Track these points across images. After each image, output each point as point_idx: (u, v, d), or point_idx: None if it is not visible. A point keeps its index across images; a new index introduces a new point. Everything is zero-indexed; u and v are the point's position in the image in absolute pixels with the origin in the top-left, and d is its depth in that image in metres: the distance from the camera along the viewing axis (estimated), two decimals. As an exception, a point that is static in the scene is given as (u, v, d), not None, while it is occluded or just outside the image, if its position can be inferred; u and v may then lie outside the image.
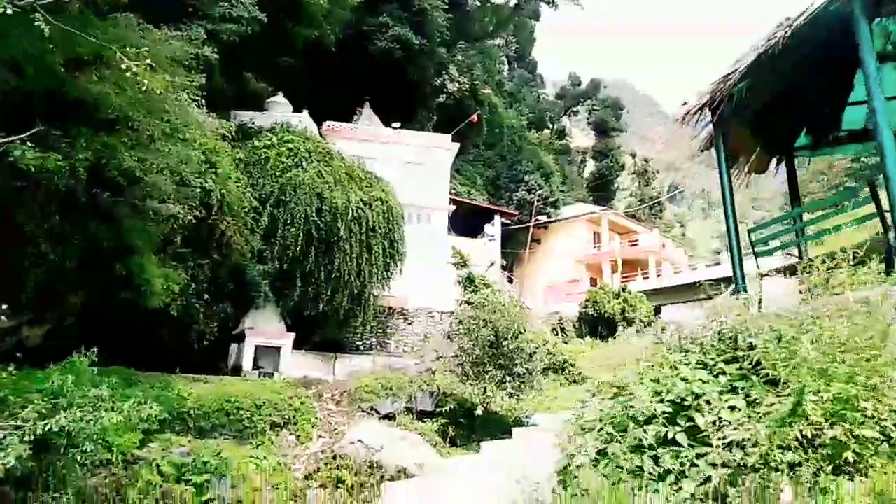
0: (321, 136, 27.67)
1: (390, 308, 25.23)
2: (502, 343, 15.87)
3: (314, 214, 19.44)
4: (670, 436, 4.15)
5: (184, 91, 11.28)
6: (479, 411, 16.29)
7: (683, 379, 4.45)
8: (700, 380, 4.42)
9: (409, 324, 26.06)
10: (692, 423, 4.20)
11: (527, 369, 16.18)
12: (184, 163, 11.74)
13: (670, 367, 4.68)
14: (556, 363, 23.31)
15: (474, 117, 32.89)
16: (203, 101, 13.58)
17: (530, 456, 5.33)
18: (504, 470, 5.23)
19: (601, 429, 4.56)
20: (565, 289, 39.01)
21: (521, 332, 16.32)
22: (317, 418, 16.06)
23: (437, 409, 17.06)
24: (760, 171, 8.13)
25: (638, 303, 28.60)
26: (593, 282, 40.25)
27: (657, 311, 32.63)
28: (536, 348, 16.60)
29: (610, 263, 40.35)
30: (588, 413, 4.81)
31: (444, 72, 36.06)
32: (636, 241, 43.09)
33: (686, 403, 4.32)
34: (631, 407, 4.50)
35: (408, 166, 31.30)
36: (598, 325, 28.15)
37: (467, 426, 16.43)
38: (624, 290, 29.15)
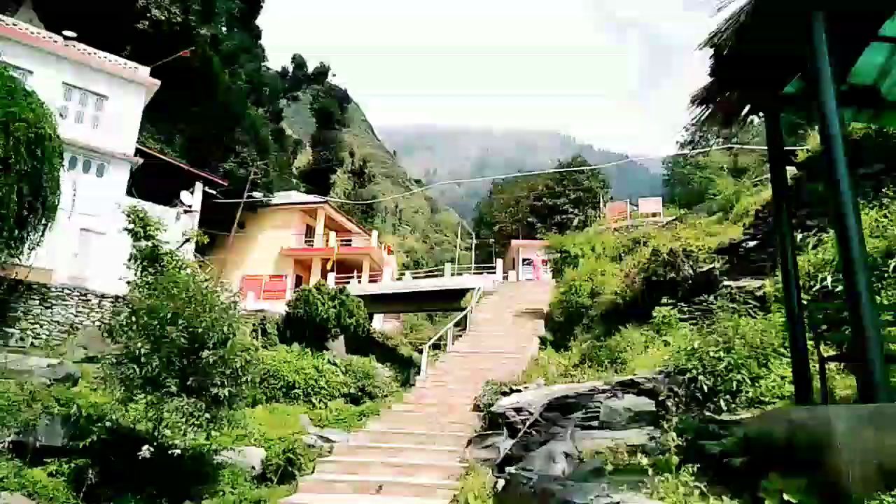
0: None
1: (20, 281, 17.50)
2: (199, 352, 10.67)
3: None
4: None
5: None
6: (145, 451, 10.65)
7: None
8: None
9: (49, 307, 18.50)
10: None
11: (230, 392, 11.18)
12: None
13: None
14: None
15: (187, 52, 26.08)
16: None
17: None
18: None
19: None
20: (268, 284, 33.91)
21: (228, 338, 11.30)
22: None
23: (73, 444, 10.97)
24: (725, 124, 5.09)
25: (355, 308, 25.14)
26: (299, 280, 35.92)
27: (370, 317, 29.79)
28: (247, 362, 11.67)
29: (321, 261, 36.49)
30: None
31: (151, -9, 28.35)
32: (350, 240, 40.07)
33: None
34: None
35: (82, 94, 23.21)
36: (307, 329, 23.86)
37: (125, 472, 10.76)
38: (342, 291, 25.41)
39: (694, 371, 6.78)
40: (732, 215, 15.54)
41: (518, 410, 8.47)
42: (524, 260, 36.88)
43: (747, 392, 6.54)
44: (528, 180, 70.33)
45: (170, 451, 11.22)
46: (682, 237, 13.06)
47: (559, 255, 20.24)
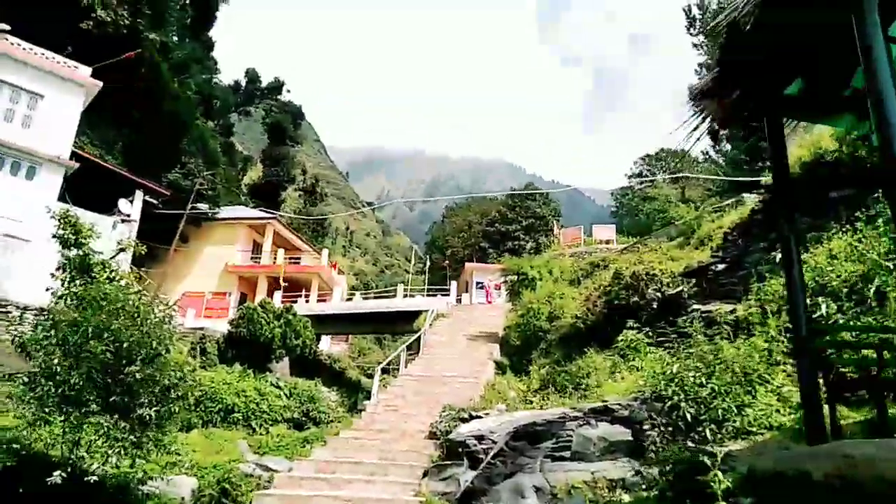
0: None
1: (-72, 290, 15.89)
2: (125, 368, 9.63)
3: None
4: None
5: None
6: (56, 478, 9.47)
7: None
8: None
9: (-38, 319, 16.89)
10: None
11: (157, 412, 10.13)
12: None
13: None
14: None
15: (132, 54, 24.86)
16: None
17: None
18: None
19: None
20: (210, 301, 32.34)
21: (159, 354, 10.29)
22: None
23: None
24: (722, 123, 4.63)
25: (302, 328, 24.07)
26: (244, 298, 34.41)
27: (317, 339, 28.74)
28: (180, 380, 10.65)
29: (268, 280, 35.07)
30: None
31: (96, -11, 27.09)
32: (299, 258, 38.77)
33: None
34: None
35: (13, 91, 21.74)
36: (249, 349, 22.63)
37: (33, 504, 9.50)
38: (288, 310, 24.30)
39: (675, 398, 6.26)
40: (694, 240, 15.44)
41: (479, 439, 7.77)
42: (478, 283, 36.37)
43: (734, 421, 6.07)
44: (480, 206, 70.45)
45: (86, 479, 10.06)
46: (645, 261, 12.74)
47: (516, 277, 19.78)
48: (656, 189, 56.97)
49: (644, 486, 5.76)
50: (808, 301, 7.43)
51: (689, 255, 13.47)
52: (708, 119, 4.59)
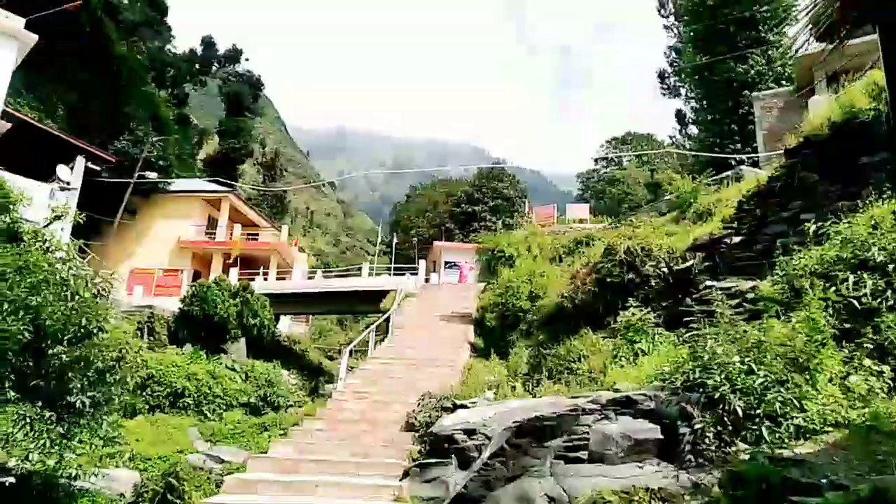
0: None
1: None
2: (48, 350, 8.18)
3: None
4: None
5: None
6: (-34, 477, 8.06)
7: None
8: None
9: None
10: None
11: (91, 398, 8.72)
12: None
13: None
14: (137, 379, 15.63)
15: (75, 6, 22.61)
16: None
17: None
18: None
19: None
20: (161, 279, 30.40)
21: (92, 333, 8.84)
22: None
23: None
24: (830, 32, 3.54)
25: (260, 307, 22.58)
26: (198, 275, 32.55)
27: (276, 319, 27.19)
28: (118, 361, 9.22)
29: (223, 256, 33.17)
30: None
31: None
32: (257, 234, 36.91)
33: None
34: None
35: (-67, 40, 19.46)
36: (202, 329, 21.06)
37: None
38: (245, 289, 22.73)
39: (723, 388, 5.21)
40: (691, 214, 14.57)
41: (469, 433, 6.62)
42: (447, 263, 35.21)
43: (793, 418, 5.05)
44: (446, 186, 69.52)
45: (8, 469, 8.62)
46: (639, 235, 11.74)
47: (492, 254, 18.68)
48: (623, 171, 56.79)
49: (689, 499, 4.70)
50: (849, 277, 6.46)
51: (688, 230, 12.57)
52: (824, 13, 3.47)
